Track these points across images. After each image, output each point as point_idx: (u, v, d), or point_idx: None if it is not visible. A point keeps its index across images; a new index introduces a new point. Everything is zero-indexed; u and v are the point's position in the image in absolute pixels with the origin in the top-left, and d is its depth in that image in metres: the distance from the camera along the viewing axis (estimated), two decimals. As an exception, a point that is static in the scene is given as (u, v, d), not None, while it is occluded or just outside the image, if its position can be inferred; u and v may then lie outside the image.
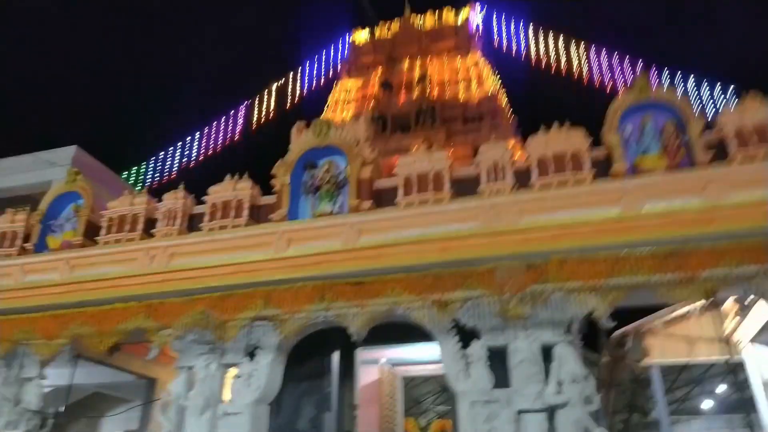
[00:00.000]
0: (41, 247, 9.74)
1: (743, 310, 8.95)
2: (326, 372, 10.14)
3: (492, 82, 14.84)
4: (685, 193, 6.82)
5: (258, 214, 9.00)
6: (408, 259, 7.54)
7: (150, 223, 9.42)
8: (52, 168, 12.44)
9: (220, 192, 9.03)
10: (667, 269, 6.79)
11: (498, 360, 7.88)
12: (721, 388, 15.20)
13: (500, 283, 7.25)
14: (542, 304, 7.46)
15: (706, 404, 16.39)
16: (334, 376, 10.10)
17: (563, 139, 7.66)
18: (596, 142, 7.82)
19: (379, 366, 13.28)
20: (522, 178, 7.77)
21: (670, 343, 11.87)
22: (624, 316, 8.37)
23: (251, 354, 8.90)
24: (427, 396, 16.63)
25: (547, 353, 7.72)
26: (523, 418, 7.47)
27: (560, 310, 7.73)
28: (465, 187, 7.99)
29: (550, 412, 7.41)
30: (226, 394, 8.79)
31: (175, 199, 9.24)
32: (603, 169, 7.54)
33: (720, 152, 7.18)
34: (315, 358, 10.04)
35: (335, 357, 10.22)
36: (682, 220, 6.73)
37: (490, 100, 13.99)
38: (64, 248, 9.49)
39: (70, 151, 12.92)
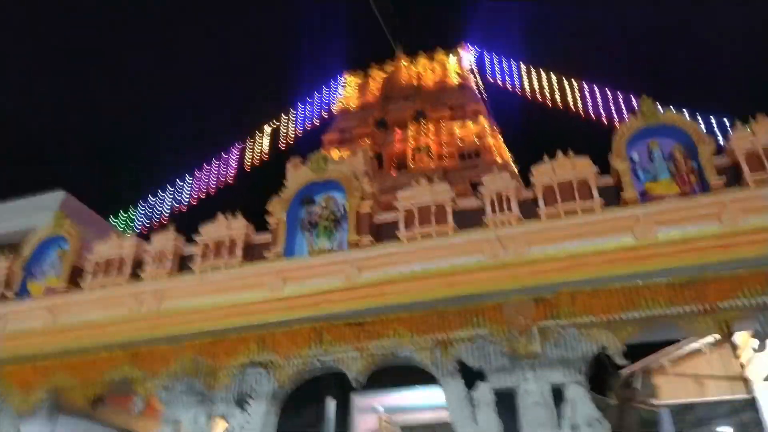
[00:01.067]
0: (23, 294, 9.25)
1: (760, 346, 8.52)
2: (321, 421, 9.58)
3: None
4: (701, 219, 6.53)
5: (253, 253, 8.59)
6: (411, 296, 7.13)
7: (138, 266, 8.98)
8: (38, 214, 12.03)
9: (212, 231, 8.65)
10: (685, 300, 6.42)
11: (505, 403, 7.40)
12: (731, 428, 14.58)
13: (508, 320, 6.83)
14: (552, 341, 7.03)
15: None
16: (330, 426, 9.53)
17: (569, 167, 7.40)
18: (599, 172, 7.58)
19: (377, 414, 12.65)
20: (528, 209, 7.47)
21: (680, 382, 11.36)
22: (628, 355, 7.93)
23: (242, 403, 8.36)
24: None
25: (556, 395, 7.27)
26: (539, 467, 6.93)
27: (570, 348, 7.29)
28: (469, 220, 7.67)
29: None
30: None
31: (166, 240, 8.85)
32: (612, 197, 7.26)
33: (732, 176, 6.93)
34: (309, 407, 9.49)
35: (330, 405, 9.67)
36: (699, 247, 6.42)
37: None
38: (47, 294, 9.00)
39: (57, 197, 12.57)
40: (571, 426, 7.02)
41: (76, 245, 9.33)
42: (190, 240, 9.12)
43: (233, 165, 18.39)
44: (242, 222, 8.66)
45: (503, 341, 7.00)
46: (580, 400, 7.13)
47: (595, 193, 7.20)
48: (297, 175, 8.73)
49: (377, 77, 17.68)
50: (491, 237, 7.04)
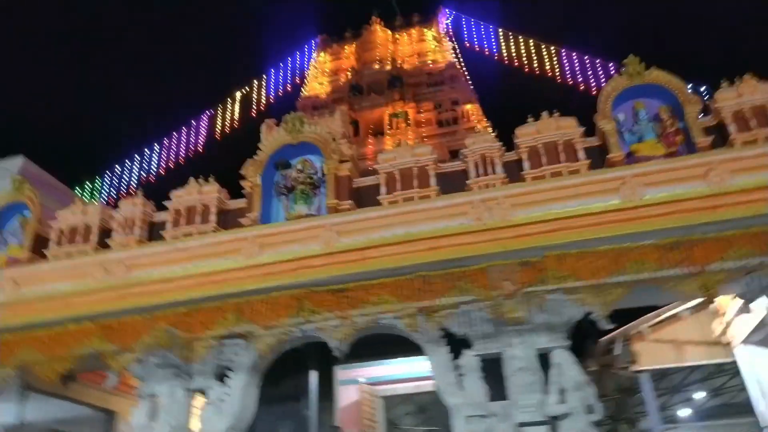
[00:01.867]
0: (-18, 265, 8.72)
1: (743, 307, 8.59)
2: (303, 393, 9.38)
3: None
4: (687, 179, 6.43)
5: (226, 220, 8.25)
6: (394, 261, 6.91)
7: (105, 235, 8.54)
8: (-3, 181, 11.37)
9: (183, 196, 8.25)
10: (673, 262, 6.35)
11: (491, 370, 7.32)
12: (704, 392, 14.96)
13: (494, 284, 6.69)
14: (538, 306, 6.93)
15: (697, 408, 16.12)
16: (312, 398, 9.34)
17: (554, 128, 7.21)
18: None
19: (358, 385, 12.57)
20: (512, 172, 7.28)
21: (659, 348, 11.50)
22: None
23: (221, 377, 8.11)
24: (407, 416, 15.86)
25: (542, 360, 7.22)
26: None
27: (556, 313, 7.21)
28: (452, 183, 7.45)
29: (552, 423, 6.86)
30: (194, 423, 7.94)
31: (133, 206, 8.42)
32: (597, 158, 7.11)
33: (719, 137, 6.84)
34: (290, 379, 9.26)
35: (312, 377, 9.49)
36: (686, 208, 6.32)
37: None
38: (9, 264, 8.51)
39: (16, 162, 11.86)
40: (558, 390, 6.98)
41: (38, 212, 8.81)
42: (160, 209, 8.72)
43: (203, 133, 17.75)
44: (215, 186, 8.28)
45: (489, 307, 6.88)
46: (566, 364, 7.07)
47: (581, 154, 7.04)
48: (272, 137, 8.35)
49: (351, 41, 17.14)
50: (475, 200, 6.83)
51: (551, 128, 7.21)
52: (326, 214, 7.58)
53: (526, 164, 7.15)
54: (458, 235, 6.73)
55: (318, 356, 9.54)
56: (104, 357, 7.69)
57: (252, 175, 8.08)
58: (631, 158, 6.95)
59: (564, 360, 7.18)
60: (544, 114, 7.38)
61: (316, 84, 16.42)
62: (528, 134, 7.28)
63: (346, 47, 17.10)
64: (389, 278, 6.99)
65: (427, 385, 13.41)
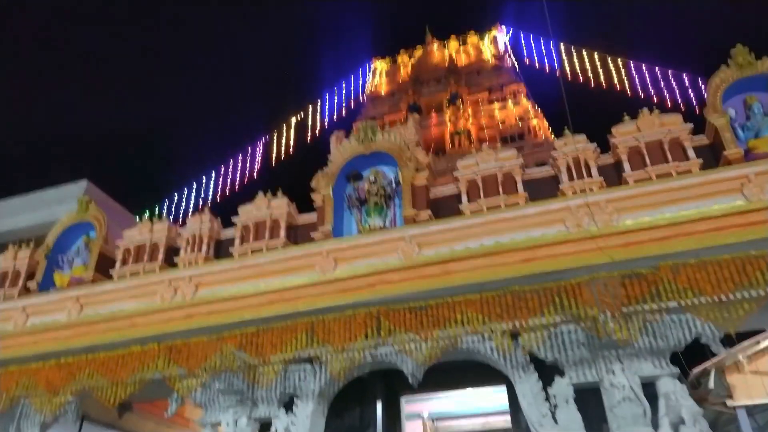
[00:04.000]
0: (47, 286, 8.53)
1: None
2: (368, 426, 8.71)
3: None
4: (824, 176, 5.59)
5: (296, 235, 7.81)
6: (481, 275, 6.26)
7: (172, 253, 8.24)
8: (61, 206, 11.39)
9: (252, 212, 7.88)
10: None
11: (585, 400, 6.52)
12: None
13: (597, 300, 5.94)
14: (643, 326, 6.12)
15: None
16: (379, 429, 8.66)
17: (656, 126, 6.51)
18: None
19: (422, 420, 11.79)
20: (608, 175, 6.59)
21: (759, 380, 10.28)
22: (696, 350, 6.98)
23: (285, 403, 7.57)
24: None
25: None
26: (633, 471, 6.01)
27: (663, 335, 6.39)
28: (540, 189, 6.81)
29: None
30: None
31: (200, 223, 8.09)
32: (708, 157, 6.36)
33: None
34: (354, 410, 8.61)
35: (378, 408, 8.81)
36: (825, 208, 5.48)
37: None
38: (73, 285, 8.28)
39: (80, 187, 11.93)
40: (671, 424, 6.10)
41: (103, 231, 8.61)
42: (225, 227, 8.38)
43: (258, 160, 17.66)
44: (284, 201, 7.87)
45: (589, 327, 6.12)
46: (677, 394, 6.21)
47: (691, 152, 6.30)
48: (342, 148, 7.92)
49: (406, 62, 16.88)
50: (573, 205, 6.15)
51: (654, 126, 6.52)
52: (403, 226, 7.03)
53: (626, 166, 6.45)
54: (556, 244, 6.04)
55: (383, 386, 8.91)
56: (169, 381, 7.26)
57: (323, 187, 7.65)
58: (750, 155, 6.16)
59: (674, 389, 6.32)
60: (644, 111, 6.70)
61: (372, 107, 16.15)
62: (627, 133, 6.60)
63: (401, 68, 16.84)
64: (475, 294, 6.34)
65: (496, 422, 12.53)
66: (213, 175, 16.99)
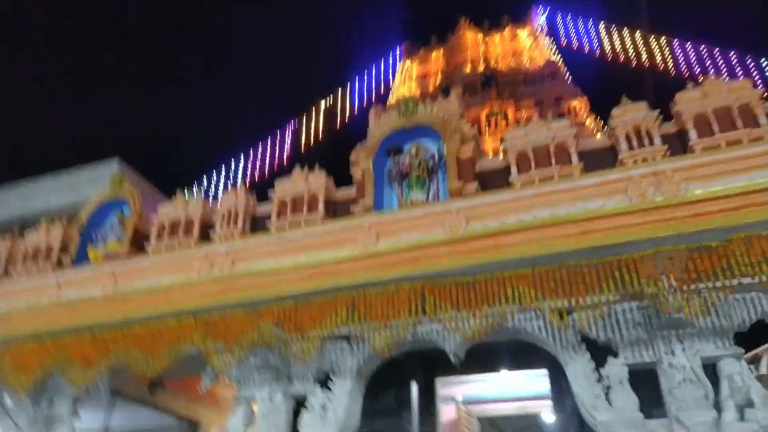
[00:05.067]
0: (81, 260, 8.42)
1: None
2: (404, 407, 8.48)
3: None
4: None
5: (335, 210, 7.56)
6: (534, 249, 5.91)
7: (207, 229, 8.06)
8: (92, 185, 11.32)
9: (289, 187, 7.64)
10: None
11: (638, 382, 6.15)
12: None
13: (665, 274, 5.55)
14: (705, 304, 5.71)
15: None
16: (414, 412, 8.42)
17: (724, 92, 6.08)
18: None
19: (456, 405, 11.52)
20: (672, 144, 6.18)
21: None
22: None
23: (322, 382, 7.35)
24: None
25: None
26: (696, 456, 5.63)
27: (726, 314, 6.00)
28: (597, 160, 6.43)
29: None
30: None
31: (236, 198, 7.88)
32: (782, 124, 5.91)
33: None
34: (390, 391, 8.40)
35: (414, 390, 8.56)
36: None
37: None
38: (108, 260, 8.14)
39: (111, 167, 11.86)
40: (736, 407, 5.71)
41: (137, 207, 8.46)
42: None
43: (287, 146, 17.49)
44: (322, 174, 7.62)
45: (650, 305, 5.75)
46: (743, 375, 5.82)
47: (763, 119, 5.86)
48: (382, 122, 7.63)
49: (438, 46, 16.49)
50: (635, 175, 5.76)
51: (721, 91, 6.09)
52: (448, 199, 6.72)
53: (692, 134, 6.03)
54: (618, 215, 5.66)
55: (419, 368, 8.67)
56: (205, 355, 7.06)
57: (363, 160, 7.37)
58: (829, 122, 5.71)
59: (738, 371, 5.92)
60: (710, 76, 6.27)
61: (404, 90, 15.83)
62: (692, 100, 6.18)
63: (433, 52, 16.46)
64: (527, 268, 6.00)
65: (532, 406, 12.20)
66: (243, 159, 16.88)
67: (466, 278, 6.16)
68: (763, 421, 5.49)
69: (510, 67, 14.41)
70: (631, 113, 6.30)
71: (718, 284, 5.49)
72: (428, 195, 7.08)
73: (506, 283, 6.03)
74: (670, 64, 13.31)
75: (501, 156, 7.03)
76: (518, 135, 6.76)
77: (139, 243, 8.27)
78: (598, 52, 13.54)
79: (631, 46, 13.89)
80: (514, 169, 6.62)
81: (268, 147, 17.40)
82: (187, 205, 8.14)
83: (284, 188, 7.65)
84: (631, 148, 6.19)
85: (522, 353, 7.86)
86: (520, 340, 7.06)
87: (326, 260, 6.65)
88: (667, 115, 6.59)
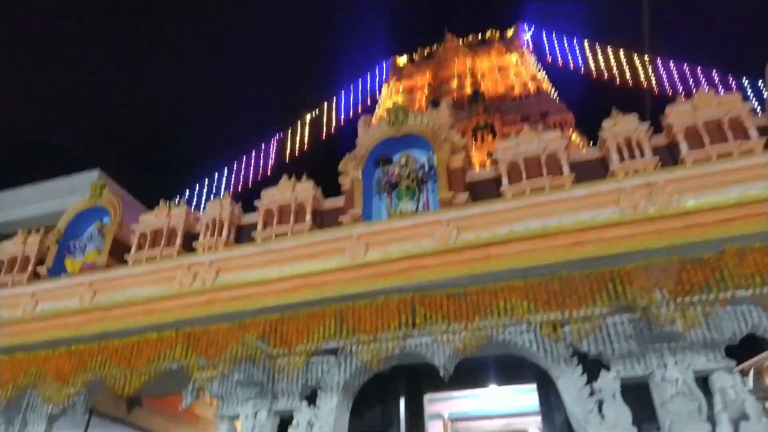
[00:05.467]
0: (57, 272, 8.13)
1: None
2: (392, 423, 8.27)
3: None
4: None
5: (322, 220, 7.41)
6: (526, 260, 5.83)
7: (191, 239, 7.85)
8: (72, 196, 11.03)
9: (275, 195, 7.48)
10: None
11: (629, 396, 6.08)
12: None
13: (657, 286, 5.49)
14: (697, 316, 5.68)
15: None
16: (402, 429, 8.21)
17: (715, 105, 6.11)
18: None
19: (443, 421, 11.34)
20: (662, 156, 6.17)
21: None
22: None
23: (308, 398, 7.15)
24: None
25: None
26: (690, 471, 5.55)
27: (717, 327, 5.98)
28: (587, 171, 6.40)
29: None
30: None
31: (221, 207, 7.70)
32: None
33: None
34: (375, 408, 8.18)
35: (401, 406, 8.37)
36: None
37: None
38: (86, 271, 7.87)
39: (92, 177, 11.55)
40: (730, 421, 5.65)
41: (118, 216, 8.21)
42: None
43: (271, 156, 17.33)
44: (309, 184, 7.48)
45: (645, 316, 5.70)
46: (737, 388, 5.79)
47: (753, 132, 5.88)
48: (371, 131, 7.54)
49: (425, 60, 16.55)
50: (627, 186, 5.73)
51: (711, 105, 6.11)
52: (439, 209, 6.62)
53: (683, 146, 6.03)
54: (610, 227, 5.61)
55: (406, 384, 8.49)
56: (187, 370, 6.82)
57: (352, 169, 7.25)
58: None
59: (732, 383, 5.89)
60: (700, 89, 6.30)
61: (390, 103, 15.79)
62: (683, 113, 6.20)
63: (420, 66, 16.51)
64: (519, 280, 5.91)
65: (518, 423, 12.03)
66: (226, 171, 16.67)
67: (457, 290, 6.05)
68: (752, 436, 5.43)
69: (496, 83, 14.49)
70: (622, 125, 6.30)
71: (712, 296, 5.46)
72: (418, 205, 6.97)
73: (498, 294, 5.92)
74: (654, 82, 13.50)
75: (491, 167, 6.96)
76: (509, 145, 6.71)
77: (119, 253, 8.02)
78: (582, 69, 13.71)
79: (615, 64, 14.09)
80: (505, 180, 6.56)
81: (252, 158, 17.24)
82: (169, 214, 7.93)
83: (271, 197, 7.49)
84: (622, 159, 6.17)
85: (510, 368, 7.75)
86: (509, 354, 6.97)
87: (314, 271, 6.48)
88: (655, 130, 6.61)
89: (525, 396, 10.37)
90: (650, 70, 13.39)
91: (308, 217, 7.21)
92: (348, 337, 6.37)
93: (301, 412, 7.03)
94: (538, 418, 10.92)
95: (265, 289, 6.62)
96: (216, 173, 16.88)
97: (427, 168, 7.12)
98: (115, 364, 7.02)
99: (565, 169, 6.37)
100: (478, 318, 5.96)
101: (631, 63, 13.85)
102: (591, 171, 6.41)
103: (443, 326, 6.08)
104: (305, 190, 7.39)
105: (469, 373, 7.11)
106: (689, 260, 5.43)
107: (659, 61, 13.59)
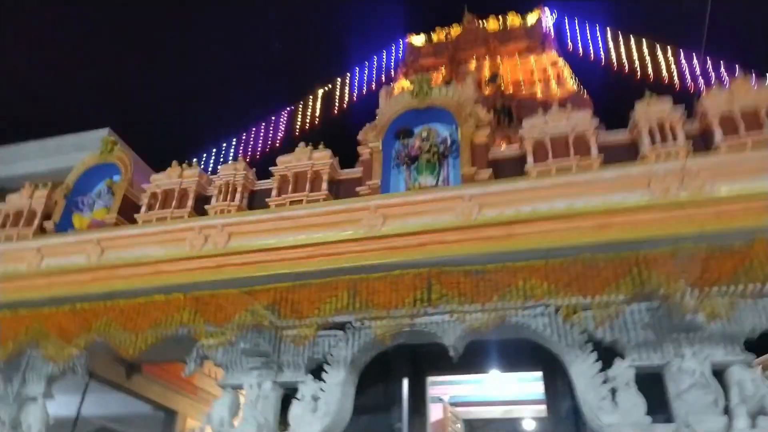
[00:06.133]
0: (64, 227, 7.98)
1: None
2: (393, 404, 8.18)
3: (572, 83, 13.35)
4: None
5: (338, 191, 7.25)
6: (549, 240, 5.68)
7: (202, 202, 7.69)
8: (81, 153, 10.84)
9: (291, 162, 7.31)
10: None
11: (642, 386, 5.96)
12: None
13: (684, 273, 5.35)
14: (718, 307, 5.53)
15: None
16: (404, 410, 8.12)
17: (751, 94, 5.92)
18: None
19: (443, 405, 11.32)
20: (696, 143, 6.00)
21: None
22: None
23: (313, 372, 7.03)
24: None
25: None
26: (703, 463, 5.45)
27: (738, 320, 5.83)
28: (615, 154, 6.23)
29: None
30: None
31: (235, 171, 7.53)
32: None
33: None
34: (378, 388, 8.09)
35: (405, 387, 8.27)
36: None
37: (575, 99, 12.53)
38: (94, 227, 7.72)
39: (101, 135, 11.35)
40: (747, 413, 5.54)
41: (129, 174, 8.04)
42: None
43: (281, 129, 17.11)
44: (327, 153, 7.30)
45: (668, 304, 5.55)
46: (757, 382, 5.66)
47: (791, 122, 5.71)
48: (393, 101, 7.35)
49: (444, 39, 16.27)
50: (658, 171, 5.56)
51: (749, 93, 5.93)
52: (461, 184, 6.46)
53: (717, 133, 5.86)
54: (638, 211, 5.45)
55: (409, 365, 8.39)
56: (194, 334, 6.70)
57: (372, 139, 7.07)
58: None
59: (749, 377, 5.76)
60: (737, 77, 6.11)
61: (406, 83, 15.54)
62: (718, 99, 6.01)
63: (438, 47, 16.23)
64: (541, 260, 5.76)
65: (519, 410, 12.02)
66: (234, 141, 16.47)
67: (475, 267, 5.90)
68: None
69: (515, 68, 14.23)
70: (655, 108, 6.11)
71: (739, 288, 5.31)
72: (438, 180, 6.82)
73: (517, 274, 5.78)
74: (675, 75, 13.27)
75: (517, 145, 6.79)
76: (536, 123, 6.53)
77: (128, 212, 7.86)
78: (603, 59, 13.46)
79: (637, 56, 13.85)
80: (530, 158, 6.39)
81: (261, 131, 17.03)
82: (182, 175, 7.76)
83: (287, 163, 7.32)
84: (653, 143, 5.99)
85: (515, 354, 7.66)
86: (515, 340, 6.86)
87: (328, 240, 6.33)
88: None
89: (526, 384, 10.34)
90: (672, 64, 13.19)
91: (324, 185, 7.05)
92: (360, 310, 6.24)
93: (307, 385, 6.90)
94: (537, 407, 10.92)
95: (278, 256, 6.48)
96: (224, 144, 16.70)
97: (449, 142, 6.94)
98: (120, 325, 6.89)
99: (594, 150, 6.20)
100: (495, 297, 5.82)
101: (653, 56, 13.63)
102: (619, 153, 6.23)
103: (459, 304, 5.94)
104: (322, 158, 7.22)
105: (473, 357, 7.00)
106: (718, 249, 5.28)
107: (681, 54, 13.38)
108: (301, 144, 7.44)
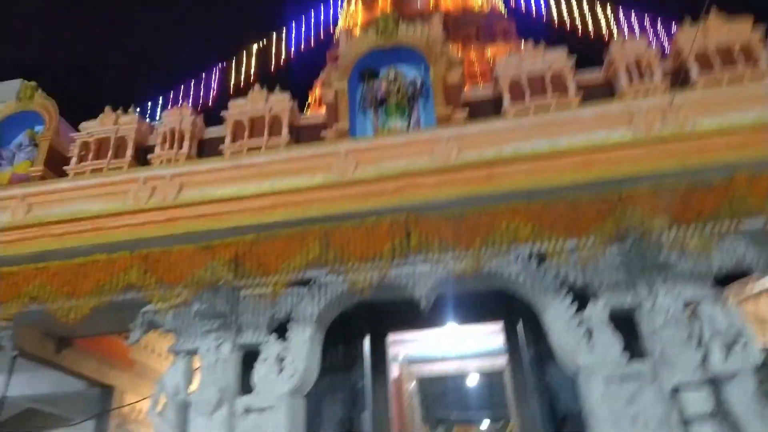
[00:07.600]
0: (-21, 184, 6.93)
1: None
2: (356, 363, 7.91)
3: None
4: None
5: (299, 136, 6.69)
6: (531, 181, 5.47)
7: (143, 152, 6.89)
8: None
9: (246, 106, 6.65)
10: None
11: (618, 326, 6.00)
12: None
13: (665, 210, 5.31)
14: (689, 245, 5.58)
15: None
16: (367, 369, 7.87)
17: (726, 31, 5.92)
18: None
19: (399, 363, 11.17)
20: (674, 79, 5.95)
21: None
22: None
23: (276, 332, 6.58)
24: (442, 399, 14.47)
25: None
26: (681, 397, 5.54)
27: (705, 258, 5.94)
28: (593, 92, 6.08)
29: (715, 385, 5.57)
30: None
31: (180, 117, 6.77)
32: (777, 66, 5.83)
33: None
34: (339, 346, 7.78)
35: (366, 346, 8.01)
36: None
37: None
38: (15, 182, 6.75)
39: (13, 86, 10.03)
40: (720, 346, 5.67)
41: (54, 123, 7.06)
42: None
43: (214, 87, 16.01)
44: (285, 96, 6.70)
45: (648, 242, 5.52)
46: (724, 315, 5.80)
47: (764, 57, 5.75)
48: (357, 40, 6.82)
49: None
50: (641, 107, 5.45)
51: (722, 30, 5.92)
52: (435, 127, 6.10)
53: (694, 70, 5.82)
54: (622, 147, 5.33)
55: (369, 323, 8.12)
56: (145, 296, 6.02)
57: (336, 80, 6.53)
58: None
59: (720, 312, 5.90)
60: (710, 14, 6.07)
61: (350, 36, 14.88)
62: (691, 38, 5.95)
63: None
64: (523, 202, 5.55)
65: (472, 365, 12.08)
66: (163, 99, 15.25)
67: (455, 211, 5.60)
68: (751, 359, 5.47)
69: (460, 15, 13.90)
70: (632, 45, 5.99)
71: (719, 224, 5.33)
72: (409, 123, 6.42)
73: (500, 216, 5.54)
74: (616, 33, 13.47)
75: (490, 84, 6.49)
76: (511, 62, 6.26)
77: (56, 165, 6.93)
78: (544, 17, 13.46)
79: (578, 13, 13.95)
80: (506, 98, 6.12)
81: (192, 88, 15.86)
82: (117, 122, 6.90)
83: (241, 108, 6.67)
84: (630, 80, 5.88)
85: (475, 307, 7.54)
86: (474, 292, 6.71)
87: (296, 188, 5.82)
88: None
89: (482, 338, 10.35)
90: (611, 21, 13.38)
91: (285, 130, 6.47)
92: (334, 261, 5.80)
93: (271, 345, 6.44)
94: (493, 360, 10.98)
95: (239, 206, 5.90)
96: (150, 102, 15.41)
97: (419, 84, 6.54)
98: (56, 289, 6.07)
99: (572, 88, 6.01)
100: (478, 241, 5.57)
101: (593, 13, 13.77)
102: (595, 92, 6.09)
103: (440, 251, 5.64)
104: (281, 101, 6.63)
105: (434, 312, 6.78)
106: (700, 184, 5.26)
107: (621, 12, 13.59)
108: (256, 87, 6.79)
